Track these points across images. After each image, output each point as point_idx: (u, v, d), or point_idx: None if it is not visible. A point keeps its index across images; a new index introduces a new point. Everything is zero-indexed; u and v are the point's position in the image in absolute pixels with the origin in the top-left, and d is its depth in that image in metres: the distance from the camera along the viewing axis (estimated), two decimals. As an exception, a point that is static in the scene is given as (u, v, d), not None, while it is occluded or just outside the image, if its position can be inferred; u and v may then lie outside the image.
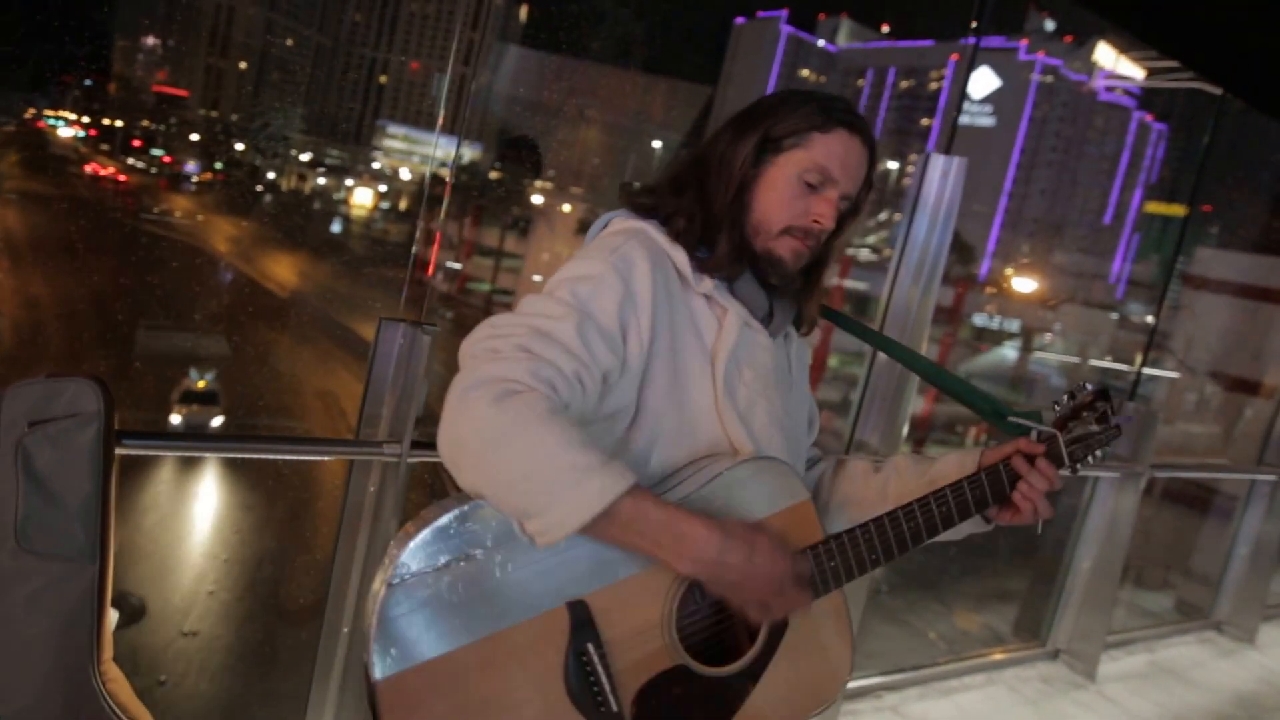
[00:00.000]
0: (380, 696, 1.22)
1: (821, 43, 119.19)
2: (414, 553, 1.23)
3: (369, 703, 1.23)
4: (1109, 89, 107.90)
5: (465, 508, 1.26)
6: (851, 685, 3.68)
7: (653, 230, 1.47)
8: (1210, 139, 4.73)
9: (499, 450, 1.17)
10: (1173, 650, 4.97)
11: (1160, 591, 6.27)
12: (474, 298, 44.38)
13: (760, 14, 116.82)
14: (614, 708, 1.30)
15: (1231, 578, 5.42)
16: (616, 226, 1.50)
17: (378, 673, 1.22)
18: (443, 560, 1.24)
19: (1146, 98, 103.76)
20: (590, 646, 1.29)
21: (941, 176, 3.07)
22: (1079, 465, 1.53)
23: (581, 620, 1.29)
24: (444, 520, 1.25)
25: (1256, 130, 5.71)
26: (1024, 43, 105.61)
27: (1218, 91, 4.74)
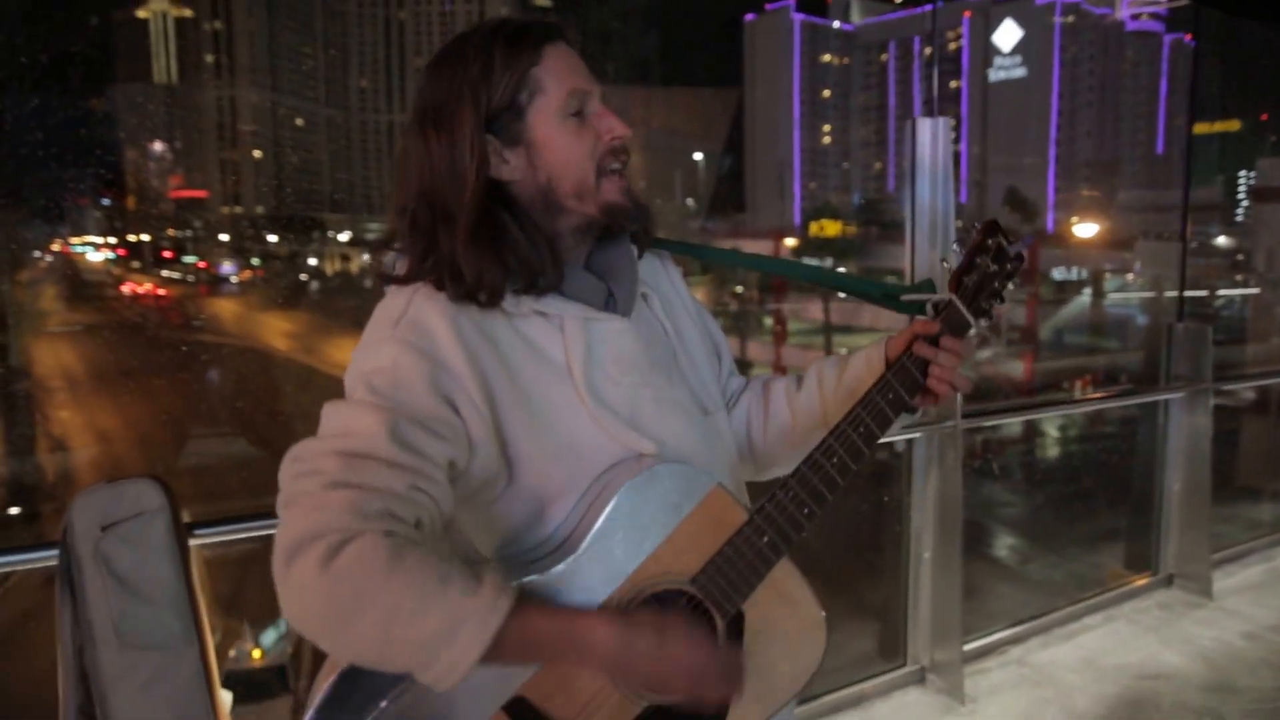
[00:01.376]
0: None
1: (836, 24, 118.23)
2: None
3: None
4: (1134, 16, 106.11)
5: (345, 667, 1.09)
6: (975, 644, 3.72)
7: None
8: (1198, 49, 4.70)
9: (350, 623, 1.00)
10: (1289, 555, 4.91)
11: (1271, 502, 6.18)
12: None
13: (769, 6, 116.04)
14: None
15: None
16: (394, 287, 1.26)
17: None
18: None
19: (1174, 18, 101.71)
20: None
21: (931, 139, 3.13)
22: (990, 314, 1.39)
23: (525, 718, 1.15)
24: (330, 687, 1.09)
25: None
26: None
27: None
